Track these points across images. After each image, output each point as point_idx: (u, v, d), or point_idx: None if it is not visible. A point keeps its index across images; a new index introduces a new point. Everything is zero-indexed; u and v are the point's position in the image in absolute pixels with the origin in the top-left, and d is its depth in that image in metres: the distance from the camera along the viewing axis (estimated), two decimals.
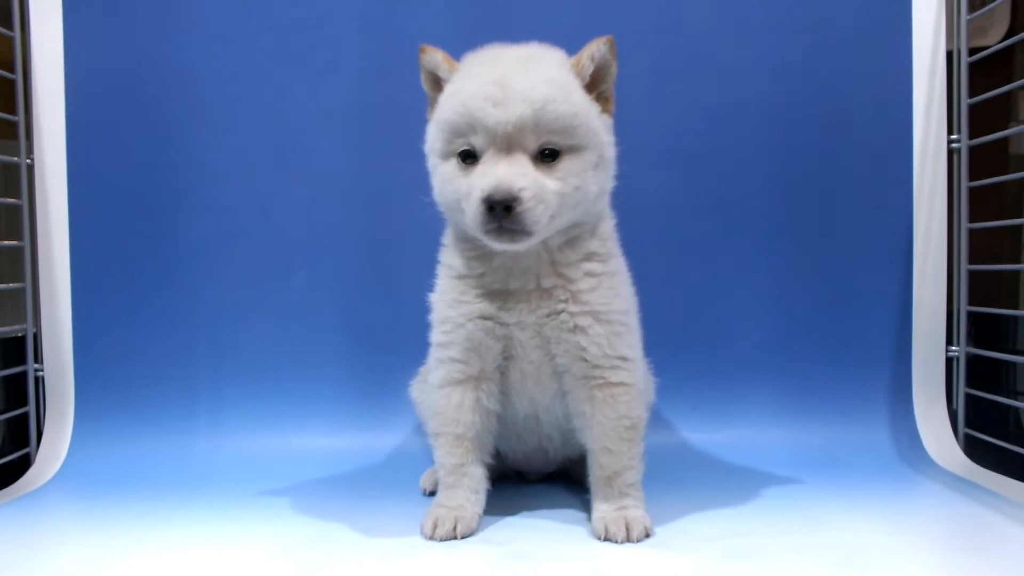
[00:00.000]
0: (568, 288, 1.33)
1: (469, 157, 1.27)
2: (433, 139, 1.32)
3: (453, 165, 1.28)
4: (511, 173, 1.21)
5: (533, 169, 1.23)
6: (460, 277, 1.37)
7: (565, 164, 1.25)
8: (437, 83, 1.34)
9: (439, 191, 1.32)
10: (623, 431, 1.34)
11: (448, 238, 1.42)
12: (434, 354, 1.42)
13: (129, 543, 1.33)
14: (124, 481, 1.70)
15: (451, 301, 1.37)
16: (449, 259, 1.40)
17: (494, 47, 1.34)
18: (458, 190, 1.27)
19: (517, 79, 1.23)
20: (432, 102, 1.35)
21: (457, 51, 1.88)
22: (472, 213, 1.23)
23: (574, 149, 1.26)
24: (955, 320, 1.86)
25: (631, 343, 1.37)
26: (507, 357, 1.37)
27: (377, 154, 1.91)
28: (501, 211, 1.19)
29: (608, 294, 1.34)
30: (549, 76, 1.25)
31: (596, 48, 1.31)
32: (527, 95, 1.22)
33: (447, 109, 1.27)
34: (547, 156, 1.25)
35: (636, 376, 1.37)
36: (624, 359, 1.35)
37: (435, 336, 1.41)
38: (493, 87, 1.23)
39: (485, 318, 1.35)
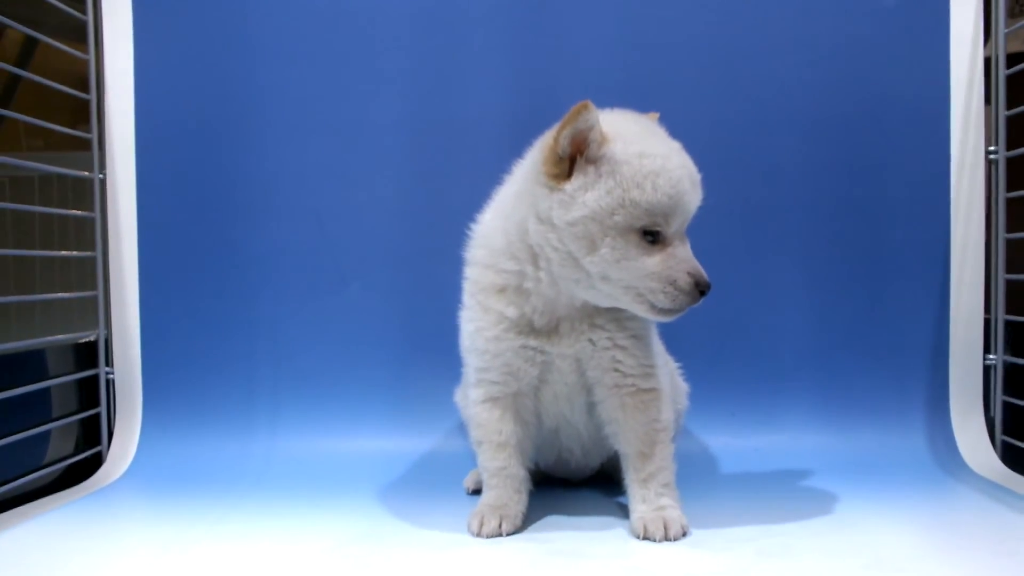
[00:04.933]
0: (610, 315, 1.37)
1: (650, 235, 1.26)
2: (610, 211, 1.23)
3: (634, 242, 1.25)
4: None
5: None
6: (509, 321, 1.37)
7: None
8: (581, 148, 1.24)
9: (610, 265, 1.25)
10: (655, 434, 1.37)
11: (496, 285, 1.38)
12: (472, 373, 1.44)
13: (195, 535, 1.40)
14: (189, 478, 1.77)
15: (491, 338, 1.38)
16: (499, 305, 1.37)
17: (630, 119, 1.32)
18: (643, 267, 1.25)
19: (690, 162, 1.30)
20: (570, 166, 1.25)
21: (509, 68, 1.94)
22: (669, 293, 1.25)
23: None
24: (993, 329, 1.86)
25: (656, 350, 1.43)
26: (542, 380, 1.41)
27: (428, 168, 1.97)
28: (697, 294, 1.26)
29: None
30: None
31: None
32: (699, 180, 1.30)
33: (650, 188, 1.23)
34: None
35: (663, 380, 1.41)
36: (653, 366, 1.40)
37: (471, 359, 1.43)
38: (691, 170, 1.29)
39: (527, 347, 1.37)
